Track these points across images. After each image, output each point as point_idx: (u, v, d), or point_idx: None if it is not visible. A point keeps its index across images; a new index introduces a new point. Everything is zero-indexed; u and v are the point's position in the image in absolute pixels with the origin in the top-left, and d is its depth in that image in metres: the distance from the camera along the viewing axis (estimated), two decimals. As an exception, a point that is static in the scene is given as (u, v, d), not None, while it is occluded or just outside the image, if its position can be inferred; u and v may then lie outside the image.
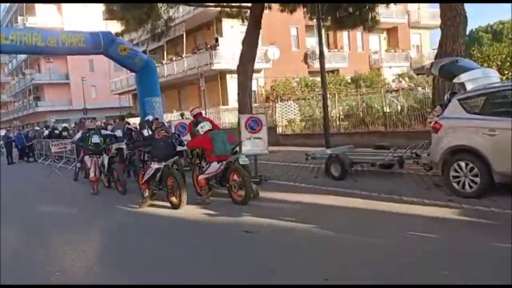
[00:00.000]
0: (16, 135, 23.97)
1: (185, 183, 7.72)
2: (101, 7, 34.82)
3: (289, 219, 6.36)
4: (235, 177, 7.65)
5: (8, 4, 49.00)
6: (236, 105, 25.30)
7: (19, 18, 43.16)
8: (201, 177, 7.92)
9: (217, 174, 7.88)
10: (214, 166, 7.82)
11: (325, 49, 29.72)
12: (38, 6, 43.64)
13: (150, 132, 10.52)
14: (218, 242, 5.75)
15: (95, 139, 10.27)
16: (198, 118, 10.53)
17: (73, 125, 22.66)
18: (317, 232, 5.81)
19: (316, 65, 29.77)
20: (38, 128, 27.09)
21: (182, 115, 20.36)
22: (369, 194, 7.57)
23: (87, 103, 39.70)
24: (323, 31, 30.42)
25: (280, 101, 19.06)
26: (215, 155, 7.83)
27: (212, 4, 16.34)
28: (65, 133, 19.56)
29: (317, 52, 28.87)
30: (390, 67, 32.01)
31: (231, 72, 25.79)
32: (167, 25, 15.39)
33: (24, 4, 42.81)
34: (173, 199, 7.77)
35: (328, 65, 30.15)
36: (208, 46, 24.93)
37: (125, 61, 18.52)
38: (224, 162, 7.79)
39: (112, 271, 5.11)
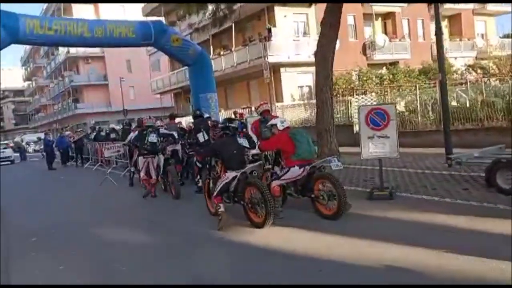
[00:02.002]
0: (58, 138, 22.60)
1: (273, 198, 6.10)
2: (140, 5, 33.94)
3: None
4: (322, 185, 6.32)
5: (46, 4, 48.66)
6: (291, 102, 23.46)
7: (57, 18, 42.55)
8: (275, 183, 6.43)
9: (297, 182, 6.50)
10: (295, 172, 6.37)
11: (385, 38, 27.19)
12: (75, 6, 43.01)
13: (206, 137, 9.59)
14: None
15: (152, 138, 9.44)
16: (266, 116, 8.74)
17: (120, 126, 20.93)
18: None
19: (377, 57, 27.34)
20: (80, 129, 25.64)
21: (235, 113, 18.53)
22: None
23: (125, 104, 38.48)
24: (380, 19, 28.46)
25: (356, 95, 16.61)
26: (297, 158, 6.34)
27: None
28: (113, 135, 17.70)
29: (377, 42, 26.74)
30: (455, 58, 28.90)
31: (285, 65, 23.67)
32: (231, 7, 13.29)
33: (62, 4, 42.20)
34: (254, 216, 6.21)
35: (388, 56, 27.79)
36: (262, 37, 22.74)
37: (178, 52, 16.76)
38: (308, 167, 6.40)
39: None
